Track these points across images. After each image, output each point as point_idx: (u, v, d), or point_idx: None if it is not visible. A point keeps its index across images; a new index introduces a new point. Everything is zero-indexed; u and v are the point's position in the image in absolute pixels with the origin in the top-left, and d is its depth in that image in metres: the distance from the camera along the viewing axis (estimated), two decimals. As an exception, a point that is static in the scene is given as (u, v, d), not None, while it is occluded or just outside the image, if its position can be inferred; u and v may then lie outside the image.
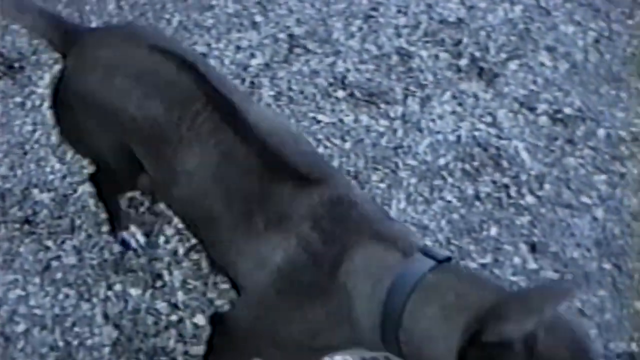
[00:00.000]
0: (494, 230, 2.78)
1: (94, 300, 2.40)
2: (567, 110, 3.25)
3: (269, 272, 1.63)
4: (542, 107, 3.26)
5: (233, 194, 1.70)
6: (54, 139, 2.82)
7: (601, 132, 3.18)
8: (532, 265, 2.67)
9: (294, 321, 1.65)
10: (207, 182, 1.73)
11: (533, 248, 2.73)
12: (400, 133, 3.08)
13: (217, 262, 1.97)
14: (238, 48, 3.34)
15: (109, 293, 2.42)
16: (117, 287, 2.43)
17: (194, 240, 2.54)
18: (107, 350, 2.30)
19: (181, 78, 1.80)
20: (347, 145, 3.01)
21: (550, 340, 1.27)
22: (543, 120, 3.21)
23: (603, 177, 3.01)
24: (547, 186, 2.94)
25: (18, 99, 3.01)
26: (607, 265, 2.70)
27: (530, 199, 2.89)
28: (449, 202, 2.86)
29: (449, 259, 1.51)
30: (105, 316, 2.37)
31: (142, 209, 2.58)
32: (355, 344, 1.60)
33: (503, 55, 3.47)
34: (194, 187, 1.76)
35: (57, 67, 2.52)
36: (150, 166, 1.90)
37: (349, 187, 1.74)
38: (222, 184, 1.71)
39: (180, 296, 2.44)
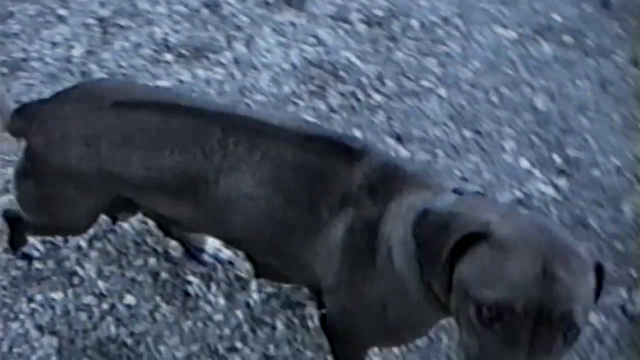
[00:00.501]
0: (358, 134, 2.93)
1: (21, 316, 2.31)
2: (378, 12, 3.45)
3: (338, 253, 1.61)
4: (354, 16, 3.44)
5: (297, 196, 1.65)
6: None
7: (414, 22, 3.41)
8: (404, 153, 2.85)
9: (366, 296, 1.62)
10: (272, 196, 1.66)
11: (399, 139, 2.91)
12: (239, 76, 3.15)
13: (294, 279, 1.93)
14: (54, 44, 3.25)
15: (33, 305, 2.33)
16: (39, 298, 2.35)
17: (91, 231, 2.51)
18: (54, 359, 2.24)
19: (173, 120, 1.72)
20: (195, 101, 3.03)
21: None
22: (360, 27, 3.39)
23: (433, 60, 3.24)
24: (388, 82, 3.13)
25: None
26: (467, 133, 2.94)
27: (378, 97, 3.07)
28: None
29: (478, 193, 1.57)
30: (39, 328, 2.29)
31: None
32: (424, 314, 1.58)
33: (301, -19, 3.61)
34: (261, 206, 1.68)
35: None
36: (185, 211, 1.79)
37: (386, 152, 1.75)
38: (285, 191, 1.66)
39: (101, 285, 2.41)
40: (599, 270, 1.30)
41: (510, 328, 1.21)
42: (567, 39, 3.48)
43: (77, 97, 1.82)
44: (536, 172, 2.82)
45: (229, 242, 1.94)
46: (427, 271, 1.40)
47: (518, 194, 2.72)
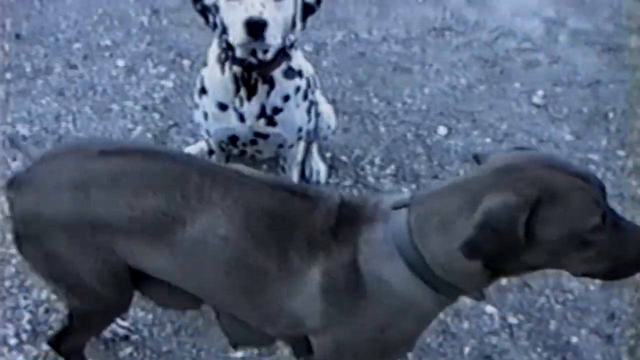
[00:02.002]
0: None
1: None
2: None
3: (319, 295, 1.67)
4: None
5: (267, 241, 1.69)
6: None
7: None
8: None
9: (361, 325, 1.69)
10: (243, 240, 1.69)
11: None
12: None
13: (272, 332, 1.83)
14: None
15: None
16: None
17: None
18: None
19: (157, 165, 1.76)
20: None
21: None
22: None
23: None
24: None
25: None
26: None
27: None
28: None
29: (412, 197, 1.67)
30: None
31: None
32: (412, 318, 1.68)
33: None
34: (234, 249, 1.70)
35: None
36: (163, 258, 1.76)
37: (333, 193, 1.78)
38: (255, 235, 1.69)
39: None
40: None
41: (615, 221, 1.50)
42: None
43: (62, 152, 1.86)
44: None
45: (202, 296, 1.90)
46: (496, 258, 1.48)
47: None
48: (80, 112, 3.50)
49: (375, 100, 3.80)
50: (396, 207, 1.65)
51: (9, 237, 2.70)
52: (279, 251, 1.67)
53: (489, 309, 2.68)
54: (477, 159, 1.68)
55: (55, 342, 2.12)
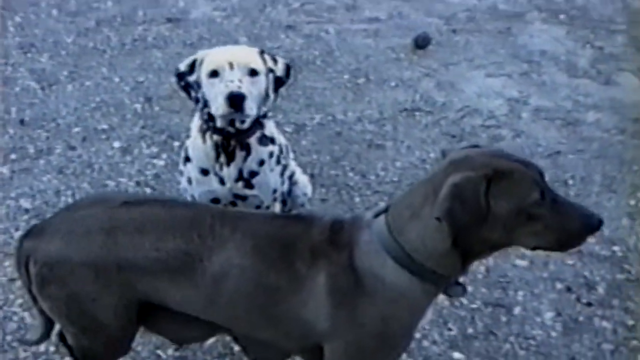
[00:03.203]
0: None
1: None
2: None
3: (325, 297, 1.88)
4: None
5: (276, 261, 1.92)
6: None
7: None
8: None
9: (366, 321, 1.88)
10: (256, 264, 1.92)
11: None
12: None
13: (288, 346, 2.06)
14: None
15: None
16: None
17: None
18: None
19: (174, 212, 2.00)
20: None
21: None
22: None
23: None
24: None
25: None
26: None
27: None
28: None
29: (387, 204, 1.95)
30: None
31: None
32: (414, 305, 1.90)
33: None
34: (249, 274, 1.91)
35: None
36: (186, 292, 1.96)
37: (328, 213, 2.14)
38: (266, 258, 1.92)
39: None
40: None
41: (554, 198, 1.75)
42: None
43: (87, 203, 2.06)
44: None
45: (222, 322, 2.06)
46: (463, 230, 1.71)
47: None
48: (78, 188, 3.71)
49: (350, 174, 4.02)
50: (377, 215, 1.92)
51: (12, 297, 2.89)
52: (286, 266, 1.91)
53: (457, 355, 2.81)
54: (444, 154, 1.93)
55: None
